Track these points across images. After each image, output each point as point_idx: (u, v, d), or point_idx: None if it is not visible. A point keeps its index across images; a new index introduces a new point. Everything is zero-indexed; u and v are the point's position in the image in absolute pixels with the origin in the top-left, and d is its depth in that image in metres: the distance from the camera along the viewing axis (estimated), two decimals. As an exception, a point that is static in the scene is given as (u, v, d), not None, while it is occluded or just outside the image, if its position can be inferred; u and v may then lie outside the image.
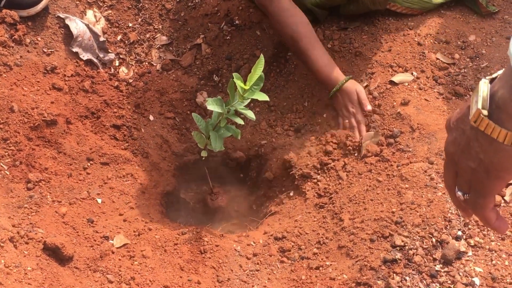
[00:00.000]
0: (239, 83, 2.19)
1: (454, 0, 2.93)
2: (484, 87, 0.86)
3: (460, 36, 2.85)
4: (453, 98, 2.57)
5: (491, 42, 2.78)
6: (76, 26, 2.72)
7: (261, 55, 2.22)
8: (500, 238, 2.10)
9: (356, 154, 2.46)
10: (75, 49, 2.70)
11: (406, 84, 2.63)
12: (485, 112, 0.84)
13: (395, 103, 2.57)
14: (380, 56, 2.75)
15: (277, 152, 2.66)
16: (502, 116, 0.83)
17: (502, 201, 2.19)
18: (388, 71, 2.69)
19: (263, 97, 2.24)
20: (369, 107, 2.55)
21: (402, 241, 2.10)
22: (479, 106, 0.85)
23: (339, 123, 2.62)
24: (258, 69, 2.20)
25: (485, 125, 0.84)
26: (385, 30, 2.85)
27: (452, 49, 2.79)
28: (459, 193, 0.96)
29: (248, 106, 2.28)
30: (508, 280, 1.99)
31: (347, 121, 2.59)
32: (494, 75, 0.88)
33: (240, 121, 2.30)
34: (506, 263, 2.04)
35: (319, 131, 2.65)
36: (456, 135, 0.91)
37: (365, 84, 2.68)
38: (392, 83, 2.64)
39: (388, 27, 2.86)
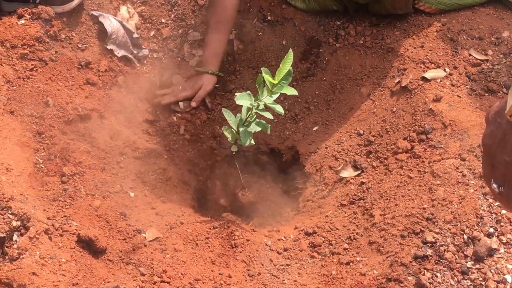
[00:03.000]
0: (267, 77, 2.19)
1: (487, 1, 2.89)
2: None
3: (494, 32, 2.82)
4: (486, 94, 2.54)
5: (526, 38, 2.75)
6: (110, 23, 2.74)
7: (290, 50, 2.21)
8: (532, 236, 2.08)
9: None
10: (109, 47, 2.72)
11: (439, 80, 2.61)
12: None
13: (427, 99, 2.55)
14: (412, 52, 2.73)
15: (306, 147, 2.66)
16: None
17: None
18: (421, 67, 2.67)
19: (291, 91, 2.24)
20: (193, 104, 2.79)
21: (433, 237, 2.09)
22: None
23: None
24: (286, 64, 2.20)
25: None
26: (417, 26, 2.83)
27: (485, 45, 2.76)
28: (494, 186, 0.95)
29: (277, 101, 2.27)
30: (540, 278, 1.96)
31: (179, 87, 2.83)
32: None
33: (269, 116, 2.30)
34: (539, 260, 2.01)
35: (347, 125, 2.64)
36: (493, 128, 0.91)
37: (397, 80, 2.66)
38: (425, 79, 2.62)
39: (420, 23, 2.83)
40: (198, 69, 2.81)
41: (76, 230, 2.11)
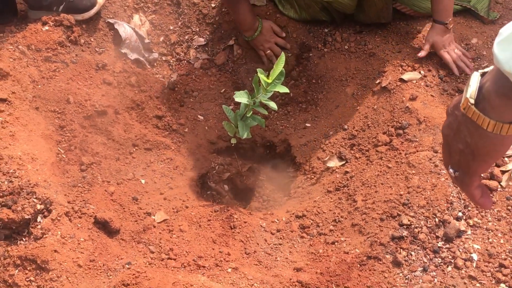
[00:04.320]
0: (262, 77, 2.18)
1: (458, 11, 2.87)
2: (475, 78, 0.86)
3: (464, 39, 2.81)
4: (456, 94, 2.53)
5: (492, 45, 2.73)
6: (124, 30, 2.73)
7: (282, 53, 2.21)
8: (496, 219, 2.07)
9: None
10: (123, 50, 2.71)
11: (414, 81, 2.60)
12: (472, 101, 0.84)
13: (404, 98, 2.54)
14: (391, 56, 2.72)
15: (297, 140, 2.66)
16: (486, 106, 0.82)
17: (499, 186, 2.15)
18: (399, 69, 2.66)
19: (284, 89, 2.24)
20: (283, 34, 2.83)
21: (409, 220, 2.08)
22: (468, 95, 0.84)
23: (262, 58, 2.86)
24: (279, 65, 2.20)
25: (472, 113, 0.84)
26: (396, 33, 2.82)
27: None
28: (451, 171, 0.96)
29: (271, 98, 2.27)
30: (503, 257, 1.96)
31: (269, 52, 2.83)
32: (486, 69, 0.87)
33: (264, 112, 2.29)
34: (502, 241, 2.01)
35: (333, 121, 2.63)
36: (451, 120, 0.91)
37: (377, 81, 2.65)
38: (402, 80, 2.61)
39: (399, 31, 2.82)
40: (258, 32, 2.82)
41: (93, 212, 2.10)
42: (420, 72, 2.63)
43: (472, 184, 0.93)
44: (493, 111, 0.82)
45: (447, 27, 2.59)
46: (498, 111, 0.82)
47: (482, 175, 0.94)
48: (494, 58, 0.79)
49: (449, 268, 1.96)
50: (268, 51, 2.84)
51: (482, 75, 0.86)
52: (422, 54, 2.65)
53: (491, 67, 0.85)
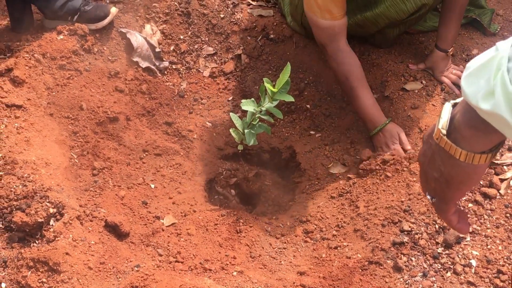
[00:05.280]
0: (269, 86, 2.18)
1: (463, 23, 2.86)
2: (446, 109, 0.85)
3: (465, 50, 2.79)
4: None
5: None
6: (136, 39, 2.73)
7: (288, 63, 2.21)
8: (494, 226, 2.06)
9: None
10: (135, 59, 2.71)
11: (416, 91, 2.59)
12: (444, 132, 0.83)
13: (406, 107, 2.53)
14: (394, 66, 2.71)
15: (302, 147, 2.65)
16: (458, 137, 0.82)
17: (498, 194, 2.14)
18: (401, 79, 2.65)
19: (289, 98, 2.23)
20: (409, 147, 2.39)
21: (409, 226, 2.07)
22: (440, 126, 0.84)
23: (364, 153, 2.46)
24: (285, 75, 2.19)
25: (444, 143, 0.83)
26: (398, 44, 2.81)
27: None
28: (428, 197, 0.95)
29: (277, 107, 2.27)
30: (501, 263, 1.94)
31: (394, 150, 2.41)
32: (457, 100, 0.86)
33: (270, 119, 2.29)
34: (500, 248, 1.99)
35: (337, 128, 2.62)
36: (426, 148, 0.90)
37: (380, 91, 2.64)
38: (404, 90, 2.60)
39: (401, 42, 2.81)
40: (377, 129, 2.42)
41: (104, 216, 2.10)
42: (422, 82, 2.62)
43: (448, 211, 0.92)
44: (464, 142, 0.81)
45: (447, 55, 2.59)
46: (468, 142, 0.81)
47: (458, 202, 0.93)
48: (462, 92, 0.78)
49: (449, 274, 1.95)
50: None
51: (454, 105, 0.86)
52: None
53: (462, 98, 0.85)
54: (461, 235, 2.03)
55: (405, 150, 2.39)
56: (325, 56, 2.51)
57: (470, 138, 0.80)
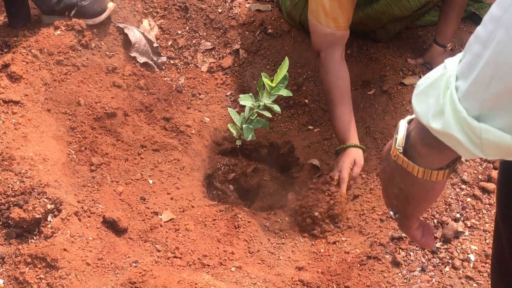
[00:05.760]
0: (267, 81, 2.17)
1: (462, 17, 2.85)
2: (402, 126, 0.84)
3: (463, 44, 2.78)
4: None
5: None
6: (134, 34, 2.72)
7: (286, 58, 2.20)
8: (493, 221, 2.05)
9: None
10: (133, 54, 2.70)
11: (414, 85, 2.57)
12: (400, 149, 0.82)
13: (404, 102, 2.52)
14: (392, 60, 2.70)
15: (300, 141, 2.64)
16: (414, 154, 0.81)
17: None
18: (399, 74, 2.64)
19: (287, 93, 2.23)
20: (356, 173, 2.25)
21: (408, 221, 2.07)
22: (396, 144, 0.83)
23: (332, 174, 2.28)
24: (283, 70, 2.19)
25: (401, 161, 0.82)
26: (397, 38, 2.79)
27: (455, 55, 2.72)
28: (391, 213, 0.94)
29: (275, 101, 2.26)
30: (499, 257, 1.94)
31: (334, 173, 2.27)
32: (412, 117, 0.85)
33: (268, 114, 2.28)
34: (498, 242, 1.99)
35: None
36: (385, 165, 0.90)
37: (378, 85, 2.63)
38: (402, 84, 2.59)
39: (400, 36, 2.80)
40: (341, 146, 2.29)
41: (102, 212, 2.10)
42: (420, 77, 2.61)
43: (411, 227, 0.92)
44: (421, 159, 0.80)
45: (445, 50, 2.58)
46: (425, 159, 0.80)
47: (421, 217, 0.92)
48: (414, 110, 0.78)
49: (447, 268, 1.94)
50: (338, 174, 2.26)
51: (409, 122, 0.85)
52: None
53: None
54: (459, 230, 2.02)
55: (353, 177, 2.26)
56: (317, 63, 2.42)
57: (425, 156, 0.80)
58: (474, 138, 0.69)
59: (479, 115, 0.68)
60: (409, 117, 0.85)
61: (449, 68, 0.72)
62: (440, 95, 0.72)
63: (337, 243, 2.12)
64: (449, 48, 2.59)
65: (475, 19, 2.88)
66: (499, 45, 0.64)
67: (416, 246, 2.00)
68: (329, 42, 2.32)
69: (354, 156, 2.26)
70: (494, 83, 0.65)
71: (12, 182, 2.00)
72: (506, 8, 0.64)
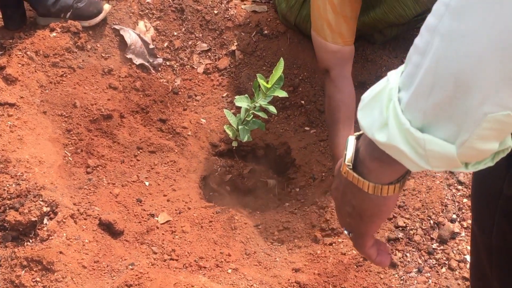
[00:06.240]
0: (262, 82, 2.17)
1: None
2: (351, 143, 0.82)
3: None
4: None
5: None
6: (129, 36, 2.71)
7: (281, 59, 2.20)
8: (489, 221, 2.05)
9: None
10: (129, 56, 2.70)
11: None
12: (350, 166, 0.81)
13: (400, 103, 2.52)
14: (388, 61, 2.70)
15: (297, 143, 2.64)
16: (364, 170, 0.79)
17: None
18: (395, 74, 2.64)
19: (283, 94, 2.23)
20: None
21: (404, 222, 2.07)
22: (346, 160, 0.81)
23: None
24: (278, 70, 2.19)
25: (352, 177, 0.80)
26: (393, 39, 2.79)
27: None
28: (346, 232, 0.92)
29: (271, 102, 2.26)
30: (496, 258, 1.94)
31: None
32: (360, 132, 0.83)
33: (264, 115, 2.28)
34: (495, 243, 1.99)
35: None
36: (337, 182, 0.87)
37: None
38: (398, 85, 2.59)
39: (396, 37, 2.80)
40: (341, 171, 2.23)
41: (98, 214, 2.09)
42: (416, 77, 2.61)
43: (365, 245, 0.89)
44: (370, 174, 0.79)
45: None
46: (375, 174, 0.78)
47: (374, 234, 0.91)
48: (359, 125, 0.76)
49: (443, 269, 1.94)
50: None
51: (358, 138, 0.83)
52: None
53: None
54: (455, 231, 2.03)
55: None
56: (325, 80, 2.35)
57: (375, 170, 0.78)
58: (419, 150, 0.68)
59: (423, 126, 0.67)
60: (357, 133, 0.84)
61: (391, 80, 0.71)
62: (383, 108, 0.71)
63: (333, 244, 2.12)
64: None
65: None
66: (436, 53, 0.63)
67: (413, 247, 2.00)
68: (338, 60, 2.25)
69: None
70: (435, 92, 0.64)
71: (7, 185, 2.00)
72: (440, 16, 0.64)
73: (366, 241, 0.89)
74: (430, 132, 0.67)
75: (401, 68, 0.72)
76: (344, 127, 2.24)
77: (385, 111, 0.70)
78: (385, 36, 2.70)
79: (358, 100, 0.79)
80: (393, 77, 0.72)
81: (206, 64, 2.88)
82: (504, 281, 1.08)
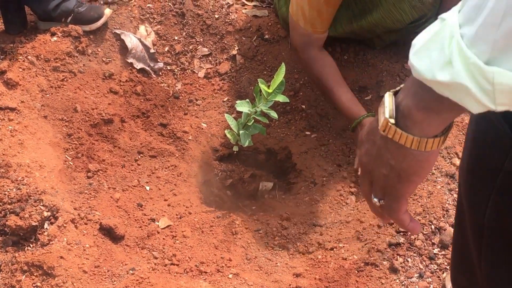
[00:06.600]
0: (263, 87, 2.17)
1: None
2: (389, 98, 0.81)
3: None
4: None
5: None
6: (130, 40, 2.72)
7: (282, 64, 2.20)
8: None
9: None
10: (130, 60, 2.70)
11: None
12: (392, 121, 0.79)
13: (401, 107, 2.52)
14: (389, 66, 2.70)
15: (298, 147, 2.64)
16: (408, 123, 0.78)
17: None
18: (396, 79, 2.64)
19: (284, 99, 2.23)
20: None
21: (405, 227, 2.06)
22: (387, 115, 0.80)
23: (356, 160, 2.36)
24: (280, 75, 2.19)
25: (393, 133, 0.79)
26: (394, 44, 2.79)
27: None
28: (375, 200, 0.90)
29: (272, 107, 2.26)
30: (497, 263, 1.94)
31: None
32: (397, 88, 0.83)
33: (265, 120, 2.28)
34: (496, 248, 1.98)
35: (332, 129, 2.61)
36: (368, 146, 0.86)
37: (375, 91, 2.63)
38: (399, 90, 2.59)
39: (397, 42, 2.80)
40: (355, 122, 2.30)
41: (98, 219, 2.09)
42: (417, 82, 2.61)
43: (400, 209, 0.88)
44: (415, 127, 0.78)
45: None
46: (420, 126, 0.78)
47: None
48: (413, 71, 0.75)
49: (445, 274, 1.94)
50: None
51: (395, 93, 0.82)
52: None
53: (402, 85, 0.82)
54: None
55: None
56: (297, 59, 2.51)
57: (422, 122, 0.77)
58: (486, 85, 0.66)
59: (489, 59, 0.66)
60: (393, 90, 0.83)
61: (449, 19, 0.70)
62: (444, 46, 0.70)
63: (334, 249, 2.11)
64: None
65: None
66: None
67: (414, 252, 2.00)
68: (305, 42, 2.39)
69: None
70: (506, 21, 0.63)
71: (8, 189, 1.99)
72: None
73: (402, 204, 0.87)
74: (498, 65, 0.65)
75: (457, 7, 0.71)
76: (335, 89, 2.38)
77: (447, 49, 0.69)
78: (384, 41, 2.71)
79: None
80: (450, 16, 0.71)
81: (207, 68, 2.88)
82: (495, 264, 1.04)
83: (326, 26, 2.33)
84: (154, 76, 2.77)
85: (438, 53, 0.71)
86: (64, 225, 1.95)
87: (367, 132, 0.87)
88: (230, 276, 1.98)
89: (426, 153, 0.79)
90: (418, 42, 0.74)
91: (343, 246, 2.11)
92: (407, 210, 0.89)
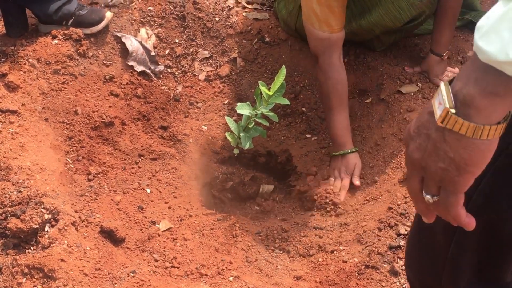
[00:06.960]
0: (264, 89, 2.17)
1: (458, 26, 2.85)
2: (446, 88, 0.80)
3: (460, 52, 2.79)
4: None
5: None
6: (131, 43, 2.72)
7: (283, 66, 2.21)
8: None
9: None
10: (130, 63, 2.70)
11: (412, 94, 2.58)
12: (453, 111, 0.78)
13: (401, 110, 2.52)
14: (389, 69, 2.70)
15: (298, 150, 2.64)
16: (470, 112, 0.77)
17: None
18: (396, 82, 2.65)
19: (284, 101, 2.23)
20: (357, 183, 2.39)
21: (406, 230, 2.06)
22: (447, 105, 0.78)
23: (329, 181, 2.44)
24: (280, 78, 2.19)
25: (454, 123, 0.78)
26: (394, 46, 2.80)
27: (452, 64, 2.73)
28: (428, 197, 0.87)
29: (272, 110, 2.27)
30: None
31: (333, 181, 2.43)
32: (451, 77, 0.82)
33: (266, 123, 2.28)
34: (496, 251, 1.98)
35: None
36: (420, 141, 0.84)
37: (376, 93, 2.63)
38: (400, 92, 2.59)
39: (397, 44, 2.81)
40: (340, 152, 2.43)
41: (99, 222, 2.09)
42: (417, 85, 2.61)
43: (458, 203, 0.85)
44: (479, 115, 0.77)
45: (442, 59, 2.59)
46: (484, 113, 0.76)
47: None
48: (481, 55, 0.74)
49: (445, 277, 1.94)
50: (333, 181, 2.44)
51: (450, 83, 0.81)
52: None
53: (456, 75, 0.81)
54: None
55: (352, 183, 2.40)
56: (316, 68, 2.49)
57: (486, 108, 0.76)
58: None
59: None
60: (447, 79, 0.81)
61: None
62: None
63: (335, 252, 2.12)
64: (446, 57, 2.59)
65: (472, 28, 2.88)
66: None
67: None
68: (325, 47, 2.36)
69: (354, 162, 2.43)
70: None
71: (9, 192, 2.00)
72: None
73: (460, 198, 0.85)
74: None
75: None
76: (337, 112, 2.42)
77: None
78: (384, 43, 2.71)
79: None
80: None
81: (208, 71, 2.88)
82: (480, 240, 1.03)
83: (340, 23, 2.32)
84: (154, 78, 2.77)
85: (509, 33, 0.70)
86: (65, 227, 1.95)
87: (416, 127, 0.85)
88: (231, 278, 1.98)
89: (487, 141, 0.78)
90: (484, 24, 0.73)
91: (344, 249, 2.12)
92: (462, 205, 0.86)
